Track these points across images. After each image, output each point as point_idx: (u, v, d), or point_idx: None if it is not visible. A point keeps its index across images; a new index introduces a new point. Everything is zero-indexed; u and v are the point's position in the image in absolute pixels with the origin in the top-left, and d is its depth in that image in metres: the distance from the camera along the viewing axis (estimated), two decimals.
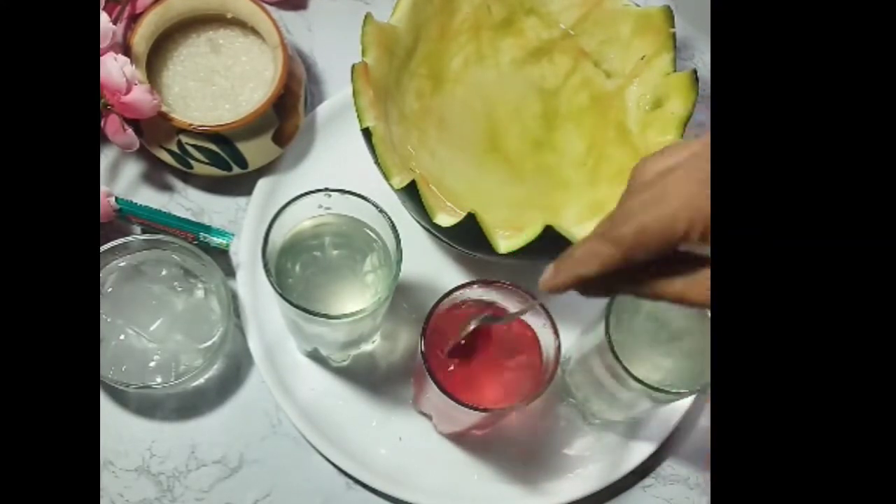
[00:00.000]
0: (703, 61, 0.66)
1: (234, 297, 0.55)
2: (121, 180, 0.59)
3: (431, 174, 0.54)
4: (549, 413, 0.56)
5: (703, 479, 0.56)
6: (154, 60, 0.58)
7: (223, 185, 0.59)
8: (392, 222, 0.45)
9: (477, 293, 0.46)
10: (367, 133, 0.50)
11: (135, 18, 0.57)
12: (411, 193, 0.48)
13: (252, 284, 0.56)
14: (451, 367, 0.46)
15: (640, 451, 0.55)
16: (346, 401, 0.55)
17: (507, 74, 0.59)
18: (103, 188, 0.54)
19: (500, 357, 0.47)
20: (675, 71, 0.54)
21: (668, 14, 0.55)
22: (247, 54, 0.59)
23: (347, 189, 0.46)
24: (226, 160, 0.56)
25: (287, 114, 0.57)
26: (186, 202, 0.59)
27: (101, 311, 0.52)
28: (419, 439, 0.55)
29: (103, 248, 0.51)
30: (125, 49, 0.55)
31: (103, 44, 0.53)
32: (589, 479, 0.54)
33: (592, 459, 0.55)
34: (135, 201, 0.56)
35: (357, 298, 0.49)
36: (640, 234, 0.33)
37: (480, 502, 0.54)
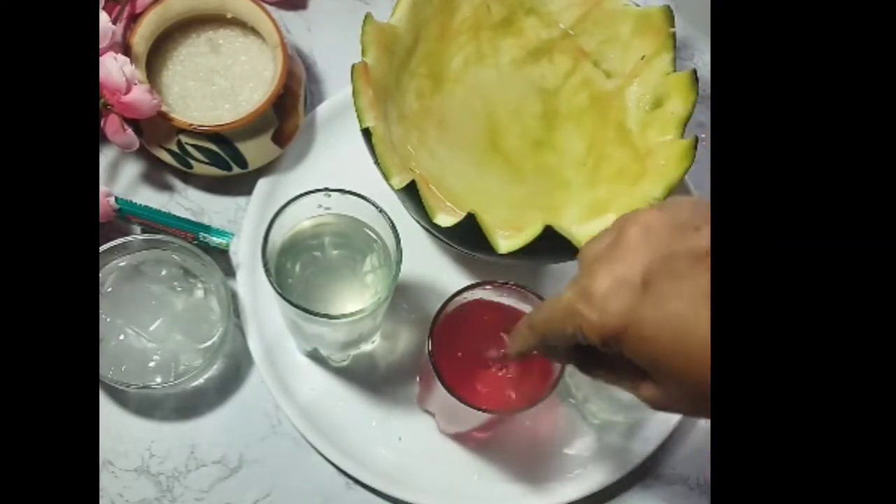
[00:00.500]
0: (703, 61, 0.66)
1: (233, 296, 0.55)
2: (120, 180, 0.59)
3: (431, 174, 0.54)
4: (549, 413, 0.56)
5: (703, 479, 0.56)
6: (154, 60, 0.58)
7: (223, 184, 0.59)
8: (392, 222, 0.45)
9: (486, 294, 0.46)
10: (366, 133, 0.50)
11: (134, 18, 0.57)
12: (411, 193, 0.48)
13: (252, 284, 0.56)
14: (459, 369, 0.46)
15: (640, 451, 0.55)
16: (345, 401, 0.55)
17: (507, 74, 0.59)
18: (103, 188, 0.54)
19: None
20: (674, 71, 0.54)
21: (668, 14, 0.55)
22: (246, 54, 0.59)
23: (347, 189, 0.46)
24: (225, 160, 0.56)
25: (287, 114, 0.57)
26: (186, 202, 0.59)
27: (100, 311, 0.52)
28: (419, 439, 0.55)
29: (103, 247, 0.51)
30: (125, 49, 0.55)
31: (103, 43, 0.53)
32: (589, 479, 0.54)
33: (592, 459, 0.55)
34: (134, 201, 0.56)
35: (357, 298, 0.49)
36: (545, 324, 0.35)
37: (480, 502, 0.54)
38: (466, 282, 0.57)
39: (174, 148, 0.55)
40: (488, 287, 0.45)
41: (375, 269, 0.49)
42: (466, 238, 0.49)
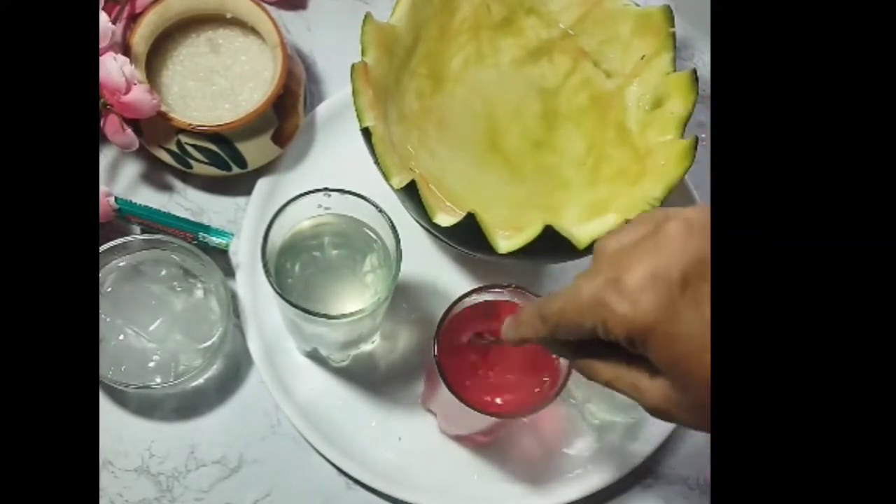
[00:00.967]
0: (703, 61, 0.66)
1: (233, 297, 0.55)
2: (120, 180, 0.59)
3: (431, 174, 0.54)
4: (549, 413, 0.56)
5: (703, 479, 0.56)
6: (153, 60, 0.57)
7: (222, 184, 0.59)
8: (392, 222, 0.45)
9: (492, 298, 0.46)
10: (366, 133, 0.50)
11: (134, 18, 0.57)
12: (411, 193, 0.48)
13: (251, 284, 0.56)
14: (463, 373, 0.46)
15: (640, 451, 0.55)
16: (345, 401, 0.55)
17: (507, 74, 0.59)
18: (103, 188, 0.54)
19: (512, 363, 0.47)
20: (674, 71, 0.54)
21: (668, 14, 0.55)
22: (246, 54, 0.59)
23: (347, 189, 0.46)
24: (225, 160, 0.56)
25: (286, 114, 0.57)
26: (186, 202, 0.59)
27: (100, 311, 0.52)
28: (419, 439, 0.55)
29: (103, 247, 0.51)
30: (124, 49, 0.55)
31: (103, 43, 0.53)
32: (589, 479, 0.54)
33: (592, 459, 0.55)
34: (134, 201, 0.56)
35: (357, 298, 0.49)
36: (560, 315, 0.33)
37: (480, 502, 0.54)
38: (466, 282, 0.58)
39: (174, 148, 0.55)
40: (495, 290, 0.45)
41: (375, 269, 0.49)
42: (466, 238, 0.49)
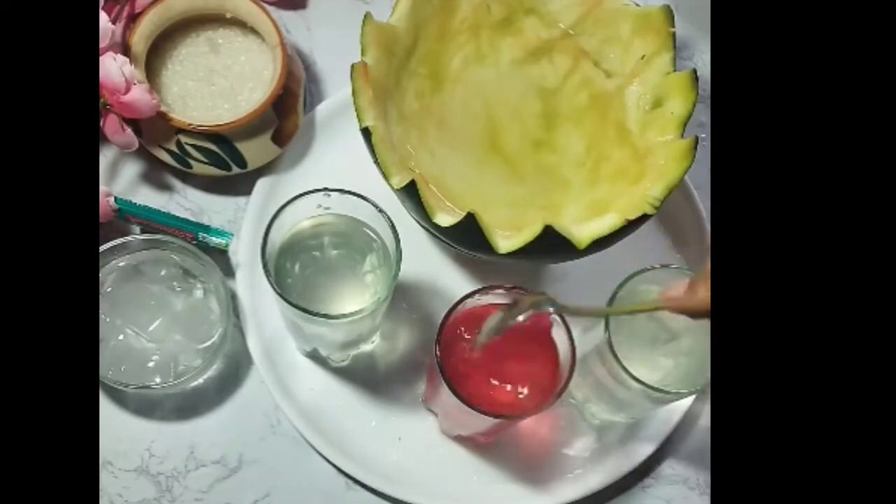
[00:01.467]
0: (703, 61, 0.66)
1: (233, 297, 0.55)
2: (120, 180, 0.59)
3: (431, 174, 0.54)
4: (549, 413, 0.56)
5: (703, 479, 0.56)
6: (153, 60, 0.57)
7: (222, 184, 0.59)
8: (391, 222, 0.45)
9: (496, 299, 0.46)
10: (366, 133, 0.49)
11: (134, 18, 0.57)
12: (411, 193, 0.48)
13: (251, 284, 0.56)
14: (465, 374, 0.46)
15: (640, 451, 0.55)
16: (345, 401, 0.55)
17: (507, 74, 0.59)
18: (102, 188, 0.54)
19: (514, 365, 0.47)
20: (674, 70, 0.54)
21: (668, 13, 0.55)
22: (246, 54, 0.59)
23: (347, 189, 0.46)
24: (225, 160, 0.56)
25: (286, 113, 0.57)
26: (185, 202, 0.59)
27: (100, 311, 0.52)
28: (419, 439, 0.55)
29: (102, 248, 0.51)
30: (124, 49, 0.55)
31: (102, 43, 0.53)
32: (589, 479, 0.54)
33: (592, 459, 0.55)
34: (134, 201, 0.56)
35: (356, 298, 0.49)
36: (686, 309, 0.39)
37: (480, 502, 0.54)
38: (466, 282, 0.58)
39: (173, 148, 0.55)
40: (498, 291, 0.45)
41: (375, 269, 0.49)
42: (466, 238, 0.49)
